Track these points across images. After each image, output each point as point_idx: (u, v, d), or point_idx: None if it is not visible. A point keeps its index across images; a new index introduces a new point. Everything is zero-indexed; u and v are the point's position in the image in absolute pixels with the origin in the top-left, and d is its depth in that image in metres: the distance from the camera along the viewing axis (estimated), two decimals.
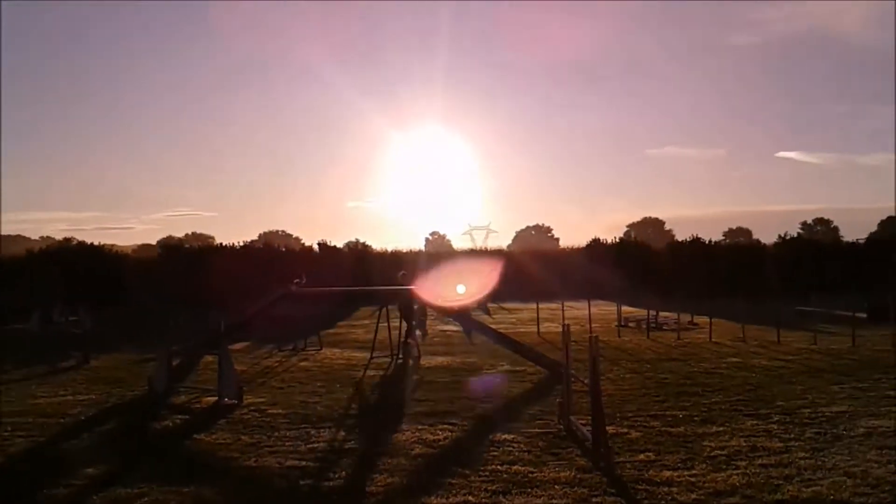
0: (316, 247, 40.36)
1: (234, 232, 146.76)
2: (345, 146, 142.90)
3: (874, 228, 65.09)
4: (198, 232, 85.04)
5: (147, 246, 59.99)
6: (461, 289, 16.24)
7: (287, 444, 7.85)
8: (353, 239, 43.22)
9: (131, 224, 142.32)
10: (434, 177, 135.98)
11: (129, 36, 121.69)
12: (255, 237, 61.83)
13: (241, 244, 39.29)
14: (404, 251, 42.36)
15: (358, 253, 40.80)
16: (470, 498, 5.84)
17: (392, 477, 6.55)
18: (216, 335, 12.21)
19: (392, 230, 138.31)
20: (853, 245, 42.86)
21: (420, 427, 8.45)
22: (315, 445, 7.77)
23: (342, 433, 8.35)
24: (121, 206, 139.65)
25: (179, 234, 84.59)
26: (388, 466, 6.87)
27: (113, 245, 40.66)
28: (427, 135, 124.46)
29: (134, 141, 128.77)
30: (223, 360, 10.31)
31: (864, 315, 20.41)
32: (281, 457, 7.30)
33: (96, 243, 36.45)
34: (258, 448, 7.68)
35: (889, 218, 72.17)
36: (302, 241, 50.84)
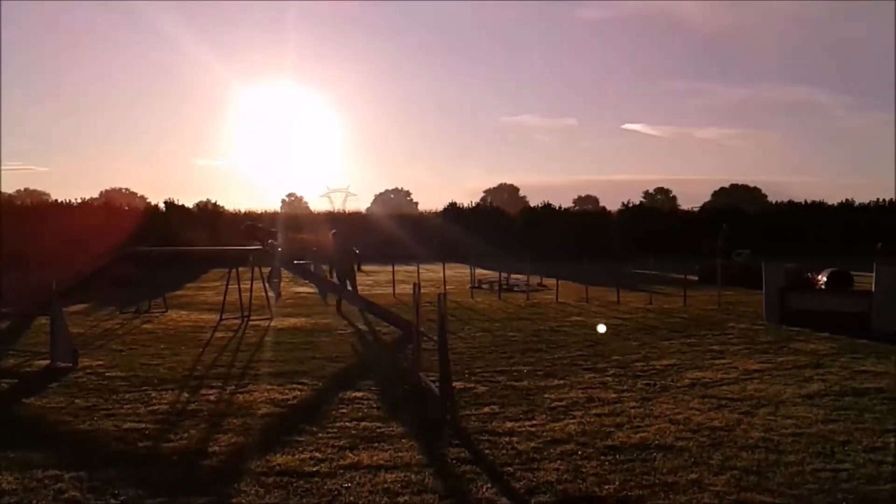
0: (162, 206, 38.53)
1: (72, 189, 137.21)
2: (191, 100, 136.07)
3: (708, 198, 70.06)
4: (30, 188, 78.74)
5: None
6: None
7: (126, 406, 7.50)
8: (203, 199, 41.55)
9: None
10: (291, 136, 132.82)
11: None
12: (95, 195, 58.09)
13: (79, 201, 36.89)
14: (259, 212, 41.29)
15: (209, 213, 39.31)
16: (316, 454, 5.82)
17: (237, 437, 6.41)
18: (48, 296, 11.41)
19: (246, 191, 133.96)
20: (688, 213, 45.97)
21: (269, 387, 8.31)
22: (156, 407, 7.47)
23: (185, 395, 8.07)
24: None
25: (9, 189, 78.00)
26: (232, 426, 6.72)
27: None
28: (281, 92, 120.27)
29: None
30: (55, 321, 9.66)
31: (696, 277, 22.02)
32: (118, 420, 6.96)
33: None
34: (94, 411, 7.28)
35: (721, 188, 77.98)
36: (147, 200, 48.43)
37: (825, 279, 16.86)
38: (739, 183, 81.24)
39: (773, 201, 50.68)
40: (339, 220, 41.24)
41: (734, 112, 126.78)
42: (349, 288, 16.52)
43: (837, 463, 5.45)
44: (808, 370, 9.05)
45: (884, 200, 44.45)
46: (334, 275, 17.83)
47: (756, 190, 79.30)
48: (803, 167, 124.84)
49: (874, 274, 12.61)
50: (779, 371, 9.03)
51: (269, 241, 15.39)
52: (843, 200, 44.36)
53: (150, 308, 16.13)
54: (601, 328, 8.41)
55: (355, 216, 44.44)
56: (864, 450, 5.77)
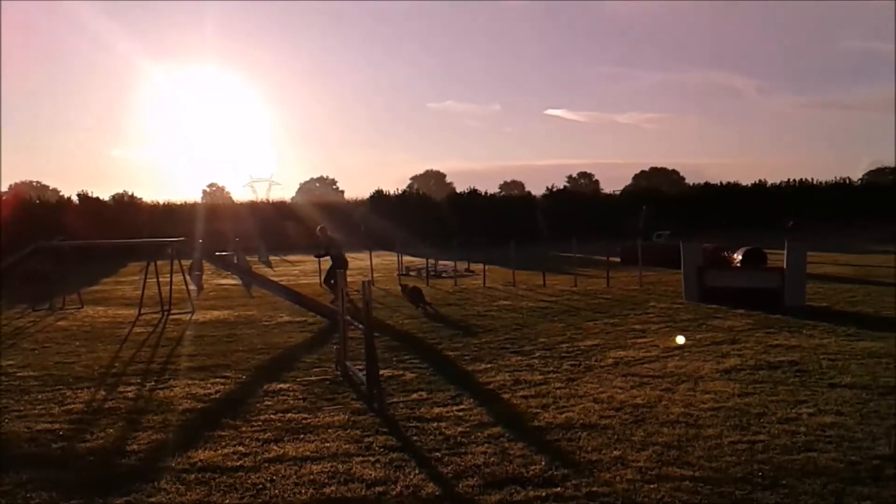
0: (76, 198, 37.05)
1: None
2: (105, 88, 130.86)
3: (629, 181, 71.62)
4: None
5: None
6: None
7: (38, 407, 7.17)
8: (119, 190, 40.11)
9: None
10: (211, 125, 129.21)
11: None
12: (3, 189, 55.43)
13: None
14: (178, 203, 40.15)
15: (125, 205, 38.00)
16: (240, 448, 5.69)
17: (156, 434, 6.21)
18: None
19: (165, 181, 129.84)
20: (610, 196, 46.96)
21: (190, 382, 8.09)
22: (71, 407, 7.18)
23: (102, 393, 7.77)
24: None
25: None
26: (152, 423, 6.51)
27: None
28: (202, 80, 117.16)
29: None
30: None
31: (618, 259, 22.50)
32: (31, 421, 6.66)
33: None
34: (4, 413, 6.95)
35: (642, 172, 79.89)
36: (60, 193, 46.51)
37: (740, 257, 17.46)
38: (659, 166, 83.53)
39: (691, 183, 52.27)
40: (261, 210, 40.56)
41: (653, 96, 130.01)
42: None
43: (753, 435, 5.64)
44: (726, 346, 9.35)
45: (794, 180, 46.40)
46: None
47: (675, 172, 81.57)
48: (719, 149, 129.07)
49: (785, 251, 13.11)
50: (698, 348, 9.30)
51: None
52: (757, 181, 46.09)
53: (65, 304, 15.50)
54: (680, 339, 8.50)
55: (279, 206, 43.67)
56: (778, 421, 5.99)
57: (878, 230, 35.51)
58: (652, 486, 4.67)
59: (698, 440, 5.56)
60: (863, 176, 63.86)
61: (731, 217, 40.11)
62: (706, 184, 46.33)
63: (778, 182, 46.28)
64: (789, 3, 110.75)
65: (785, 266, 13.03)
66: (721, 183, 45.68)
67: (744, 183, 45.96)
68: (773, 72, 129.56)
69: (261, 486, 4.92)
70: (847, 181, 47.74)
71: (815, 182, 46.54)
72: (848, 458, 5.06)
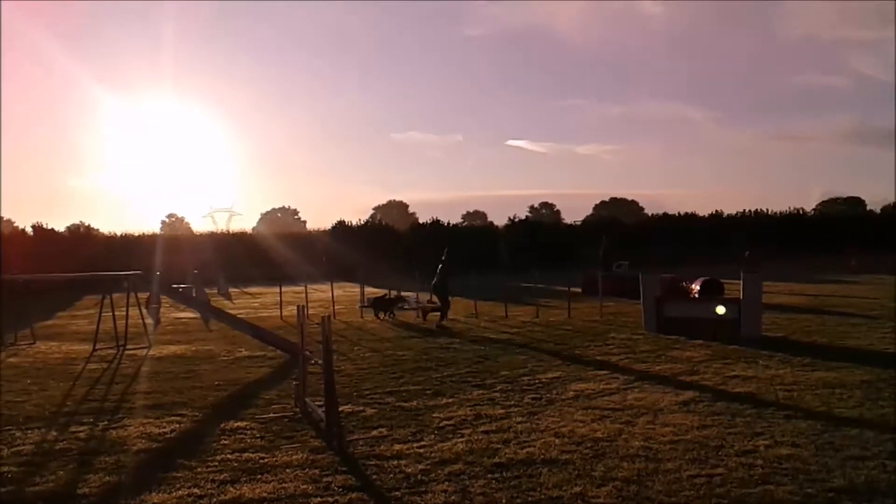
0: (30, 229, 36.29)
1: None
2: (61, 116, 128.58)
3: (590, 211, 72.54)
4: None
5: None
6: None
7: None
8: (76, 221, 39.43)
9: None
10: (171, 155, 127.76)
11: None
12: None
13: None
14: (136, 235, 39.57)
15: (80, 236, 37.32)
16: (195, 490, 5.55)
17: (109, 476, 6.03)
18: None
19: (123, 212, 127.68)
20: (571, 226, 47.45)
21: (144, 421, 7.89)
22: (20, 448, 6.94)
23: (53, 433, 7.54)
24: None
25: None
26: (104, 465, 6.32)
27: None
28: (160, 109, 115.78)
29: None
30: None
31: (579, 289, 22.68)
32: None
33: None
34: None
35: (602, 202, 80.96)
36: (14, 224, 45.52)
37: (698, 287, 17.72)
38: (618, 196, 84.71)
39: (650, 213, 53.12)
40: (221, 241, 40.14)
41: (612, 128, 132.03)
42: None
43: (711, 468, 5.68)
44: (684, 377, 9.45)
45: (750, 211, 47.42)
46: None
47: (634, 203, 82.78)
48: (676, 180, 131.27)
49: (741, 282, 13.34)
50: (657, 379, 9.38)
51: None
52: (714, 211, 47.03)
53: (17, 340, 15.07)
54: (721, 309, 8.32)
55: (240, 236, 43.30)
56: (736, 454, 6.05)
57: (831, 260, 36.40)
58: None
59: (658, 474, 5.58)
60: (816, 206, 65.52)
61: (688, 247, 40.77)
62: (664, 214, 47.10)
63: (734, 212, 47.28)
64: (743, 38, 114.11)
65: (741, 296, 13.25)
66: (679, 213, 46.50)
67: (701, 213, 46.86)
68: (728, 104, 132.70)
69: None
70: (801, 211, 48.94)
71: (770, 212, 47.62)
72: (804, 491, 5.12)
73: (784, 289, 22.60)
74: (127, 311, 14.21)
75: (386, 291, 19.23)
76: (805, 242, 42.74)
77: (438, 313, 16.27)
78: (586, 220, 50.31)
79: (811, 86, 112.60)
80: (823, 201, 71.51)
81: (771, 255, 35.87)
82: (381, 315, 17.16)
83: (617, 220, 50.06)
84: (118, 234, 39.21)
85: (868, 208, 59.04)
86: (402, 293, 22.12)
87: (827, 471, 5.54)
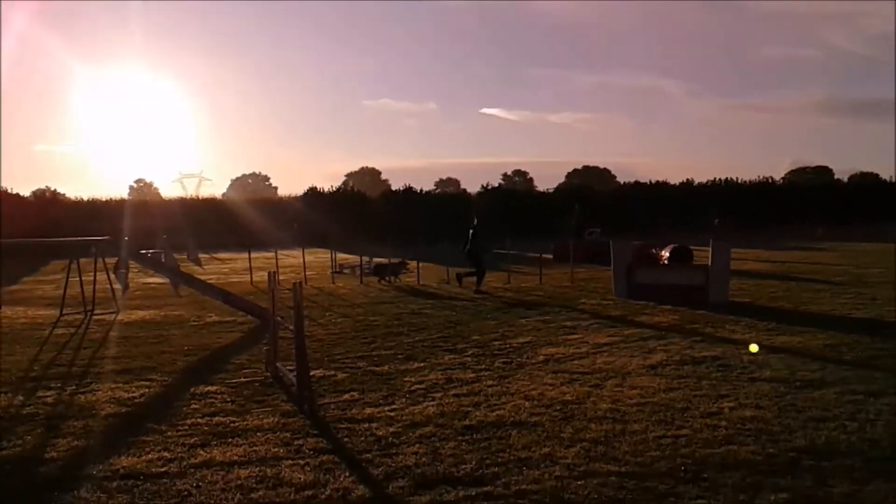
0: None
1: None
2: (24, 81, 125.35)
3: (562, 179, 72.62)
4: None
5: None
6: None
7: None
8: (41, 186, 38.68)
9: None
10: (138, 120, 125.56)
11: None
12: None
13: None
14: (104, 200, 38.93)
15: (46, 201, 36.66)
16: (165, 454, 5.54)
17: (77, 440, 6.00)
18: None
19: (90, 177, 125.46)
20: (544, 194, 47.55)
21: (113, 385, 7.84)
22: None
23: (20, 398, 7.45)
24: None
25: None
26: (73, 429, 6.28)
27: None
28: (127, 72, 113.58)
29: None
30: None
31: (551, 256, 22.81)
32: None
33: None
34: None
35: (574, 170, 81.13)
36: None
37: (668, 254, 17.91)
38: (591, 165, 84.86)
39: (622, 182, 53.32)
40: (191, 207, 39.72)
41: (585, 98, 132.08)
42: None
43: (677, 429, 5.79)
44: (652, 342, 9.58)
45: (719, 179, 47.80)
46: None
47: (606, 171, 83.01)
48: (648, 149, 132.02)
49: (710, 249, 13.50)
50: (626, 344, 9.50)
51: None
52: (685, 180, 47.32)
53: None
54: (754, 348, 8.41)
55: (210, 202, 42.79)
56: (701, 415, 6.17)
57: (799, 228, 36.96)
58: (579, 483, 4.74)
59: (625, 435, 5.67)
60: (785, 175, 66.28)
61: (659, 215, 41.08)
62: (636, 182, 47.31)
63: (705, 181, 47.63)
64: (716, 10, 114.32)
65: (710, 263, 13.42)
66: (650, 182, 46.72)
67: (672, 182, 47.15)
68: (700, 76, 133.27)
69: (186, 492, 4.80)
70: (770, 180, 49.44)
71: (739, 181, 48.03)
72: (766, 451, 5.24)
73: (752, 255, 22.92)
74: (95, 276, 14.02)
75: (387, 259, 19.52)
76: (774, 211, 43.27)
77: (474, 278, 16.29)
78: (559, 188, 50.35)
79: (783, 58, 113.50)
80: (792, 170, 72.42)
81: (740, 222, 36.33)
82: (387, 280, 17.94)
83: (589, 187, 50.19)
84: (85, 198, 38.58)
85: (836, 177, 59.94)
86: (374, 259, 22.11)
87: (789, 431, 5.67)
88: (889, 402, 6.42)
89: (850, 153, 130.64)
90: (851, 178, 54.32)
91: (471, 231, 16.88)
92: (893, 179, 49.05)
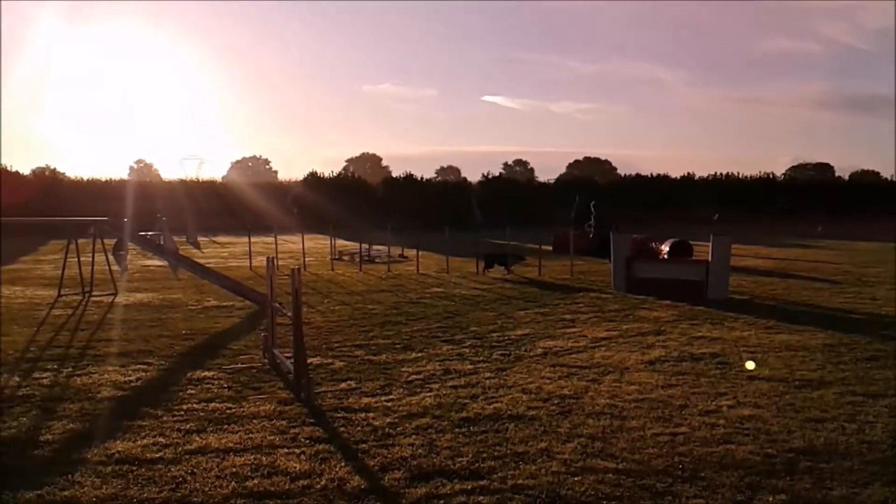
0: None
1: None
2: (21, 55, 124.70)
3: (563, 170, 72.59)
4: None
5: None
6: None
7: None
8: (41, 164, 38.58)
9: None
10: (140, 101, 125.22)
11: None
12: None
13: None
14: (104, 180, 38.84)
15: (46, 180, 36.56)
16: (160, 439, 5.52)
17: (73, 423, 5.97)
18: None
19: (90, 156, 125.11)
20: (545, 184, 47.48)
21: (110, 368, 7.82)
22: None
23: (16, 379, 7.43)
24: None
25: None
26: (68, 412, 6.25)
27: None
28: (129, 53, 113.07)
29: None
30: None
31: (550, 248, 22.76)
32: None
33: None
34: None
35: (575, 161, 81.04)
36: None
37: (668, 249, 17.88)
38: (592, 156, 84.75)
39: (623, 174, 53.26)
40: (191, 189, 39.62)
41: (585, 87, 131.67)
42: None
43: (675, 427, 5.77)
44: (651, 337, 9.55)
45: (721, 174, 47.76)
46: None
47: (607, 163, 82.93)
48: (648, 141, 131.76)
49: (710, 244, 13.46)
50: (624, 338, 9.48)
51: None
52: (686, 174, 47.28)
53: None
54: (750, 365, 8.33)
55: (210, 184, 42.70)
56: (699, 413, 6.15)
57: (798, 224, 36.91)
58: (576, 479, 4.72)
59: (622, 432, 5.65)
60: (785, 172, 66.20)
61: (660, 208, 41.03)
62: (637, 175, 47.26)
63: (706, 175, 47.59)
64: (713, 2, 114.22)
65: (709, 259, 13.38)
66: (651, 174, 46.69)
67: (673, 175, 47.10)
68: (697, 66, 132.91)
69: (180, 479, 4.78)
70: (771, 176, 49.40)
71: (740, 176, 48.00)
72: (764, 451, 5.21)
73: (751, 252, 22.89)
74: (93, 257, 13.99)
75: (357, 244, 19.23)
76: (774, 207, 43.24)
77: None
78: (560, 179, 50.30)
79: (783, 51, 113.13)
80: (793, 167, 72.34)
81: (740, 218, 36.29)
82: (508, 269, 17.28)
83: (590, 179, 50.11)
84: (85, 178, 38.47)
85: (836, 175, 59.93)
86: (374, 246, 22.05)
87: (787, 432, 5.65)
88: (888, 405, 6.40)
89: (849, 149, 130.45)
90: (852, 175, 54.29)
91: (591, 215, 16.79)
92: (893, 178, 49.06)
